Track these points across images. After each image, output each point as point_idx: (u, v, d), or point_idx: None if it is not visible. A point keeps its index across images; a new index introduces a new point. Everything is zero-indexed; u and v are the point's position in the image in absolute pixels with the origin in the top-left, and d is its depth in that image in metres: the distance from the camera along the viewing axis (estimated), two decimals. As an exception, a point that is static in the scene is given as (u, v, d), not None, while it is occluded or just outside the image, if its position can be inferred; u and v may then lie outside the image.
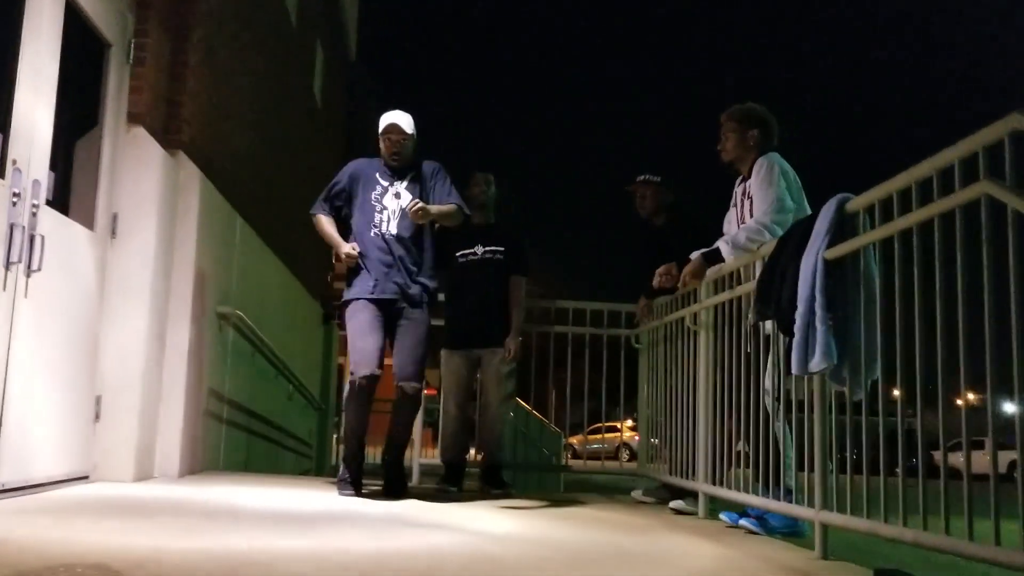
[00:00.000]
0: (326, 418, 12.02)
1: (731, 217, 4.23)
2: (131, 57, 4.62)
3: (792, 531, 3.66)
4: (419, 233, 4.56)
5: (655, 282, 4.62)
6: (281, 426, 8.19)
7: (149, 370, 4.60)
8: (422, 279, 4.55)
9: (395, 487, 4.42)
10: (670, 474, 4.91)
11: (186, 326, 4.96)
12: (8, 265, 3.42)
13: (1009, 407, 2.27)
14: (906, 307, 2.68)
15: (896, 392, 2.85)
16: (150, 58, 4.73)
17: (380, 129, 4.60)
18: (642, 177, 5.09)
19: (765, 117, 4.18)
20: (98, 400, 4.40)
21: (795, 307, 3.09)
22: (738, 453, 4.03)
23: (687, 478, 4.58)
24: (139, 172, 4.60)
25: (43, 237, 3.62)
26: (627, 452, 13.97)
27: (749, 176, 4.07)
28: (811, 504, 3.18)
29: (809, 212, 3.99)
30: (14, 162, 3.44)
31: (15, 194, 3.45)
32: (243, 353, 6.38)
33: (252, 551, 2.50)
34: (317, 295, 10.75)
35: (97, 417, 4.39)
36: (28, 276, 3.57)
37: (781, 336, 3.34)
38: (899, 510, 2.61)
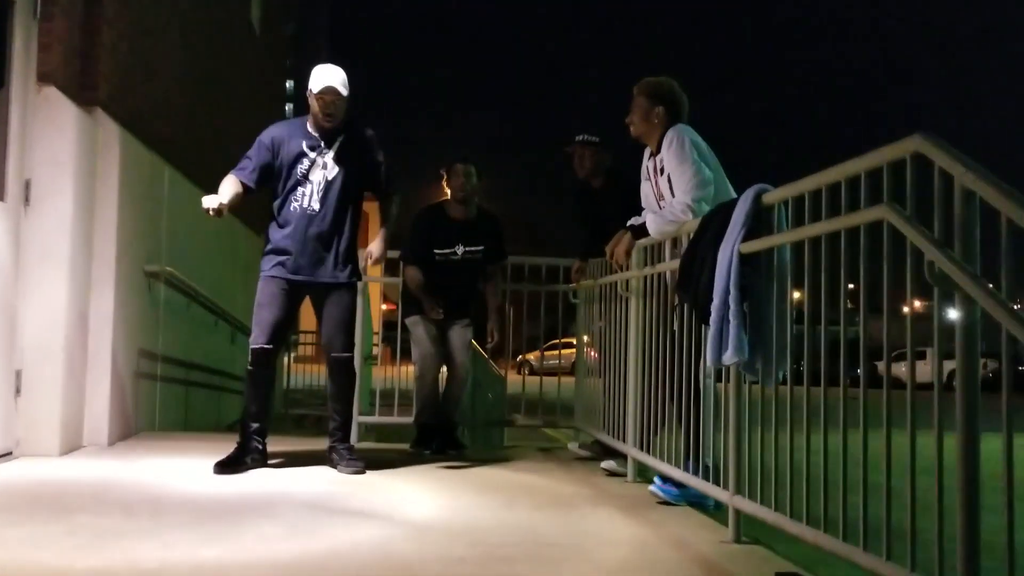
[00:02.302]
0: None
1: (646, 191, 4.18)
2: (38, 12, 4.39)
3: (700, 501, 3.73)
4: (343, 203, 4.38)
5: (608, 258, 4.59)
6: (224, 371, 8.14)
7: (72, 339, 4.51)
8: (347, 258, 4.41)
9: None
10: (602, 430, 4.99)
11: (110, 291, 4.85)
12: (-94, 252, 3.29)
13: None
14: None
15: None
16: (60, 12, 4.49)
17: (313, 88, 4.26)
18: (580, 137, 5.00)
19: (675, 95, 4.10)
20: (18, 374, 4.31)
21: (711, 297, 3.10)
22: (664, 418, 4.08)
23: (618, 439, 4.65)
24: (52, 135, 4.42)
25: (-57, 219, 3.48)
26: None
27: (658, 151, 4.02)
28: (726, 485, 3.25)
29: (726, 180, 4.00)
30: (-95, 144, 3.28)
31: (-91, 178, 3.30)
32: (177, 307, 6.29)
33: (163, 570, 2.49)
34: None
35: (18, 392, 4.31)
36: (-70, 261, 3.44)
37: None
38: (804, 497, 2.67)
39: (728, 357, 3.00)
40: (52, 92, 4.43)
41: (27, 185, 4.35)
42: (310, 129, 4.37)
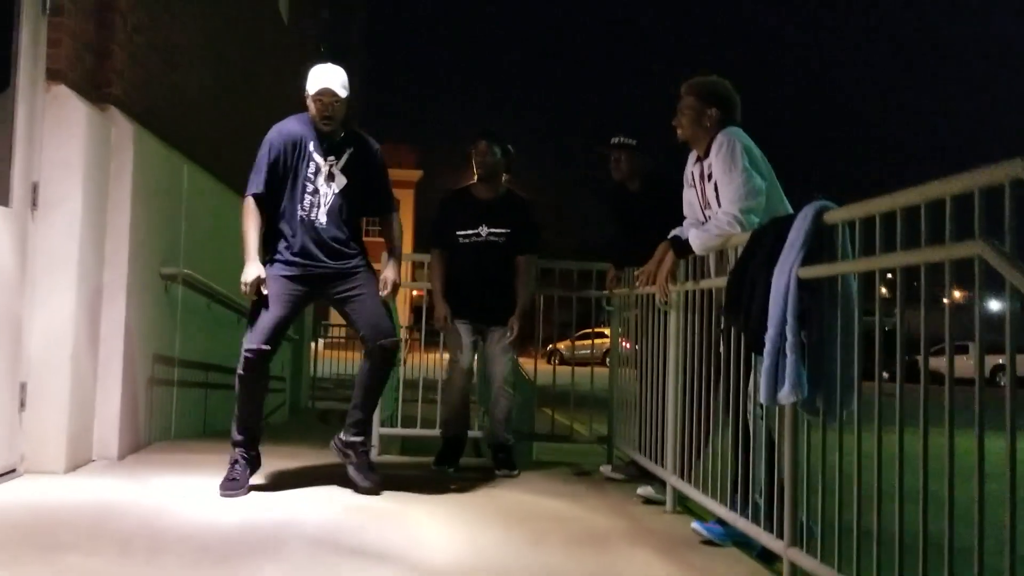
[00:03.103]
0: (301, 348, 11.78)
1: (691, 198, 3.85)
2: (47, 6, 4.15)
3: (748, 541, 3.43)
4: (351, 218, 4.13)
5: (638, 283, 4.27)
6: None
7: (80, 349, 4.30)
8: (356, 254, 4.13)
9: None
10: (639, 451, 4.69)
11: (122, 296, 4.63)
12: None
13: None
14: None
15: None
16: (71, 6, 4.26)
17: (310, 89, 4.01)
18: (616, 139, 4.69)
19: (728, 94, 3.76)
20: (23, 387, 4.10)
21: (765, 325, 2.79)
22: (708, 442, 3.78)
23: (656, 461, 4.35)
24: (61, 135, 4.19)
25: (-63, 229, 3.25)
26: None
27: (706, 155, 3.68)
28: (780, 534, 2.95)
29: (780, 191, 3.66)
30: None
31: (-102, 185, 3.07)
32: (196, 307, 6.07)
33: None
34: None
35: (23, 405, 4.10)
36: (-78, 273, 3.22)
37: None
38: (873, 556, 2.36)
39: (785, 395, 2.69)
40: (62, 90, 4.20)
41: (35, 188, 4.12)
42: (316, 132, 4.10)
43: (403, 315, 16.11)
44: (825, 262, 2.68)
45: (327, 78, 4.00)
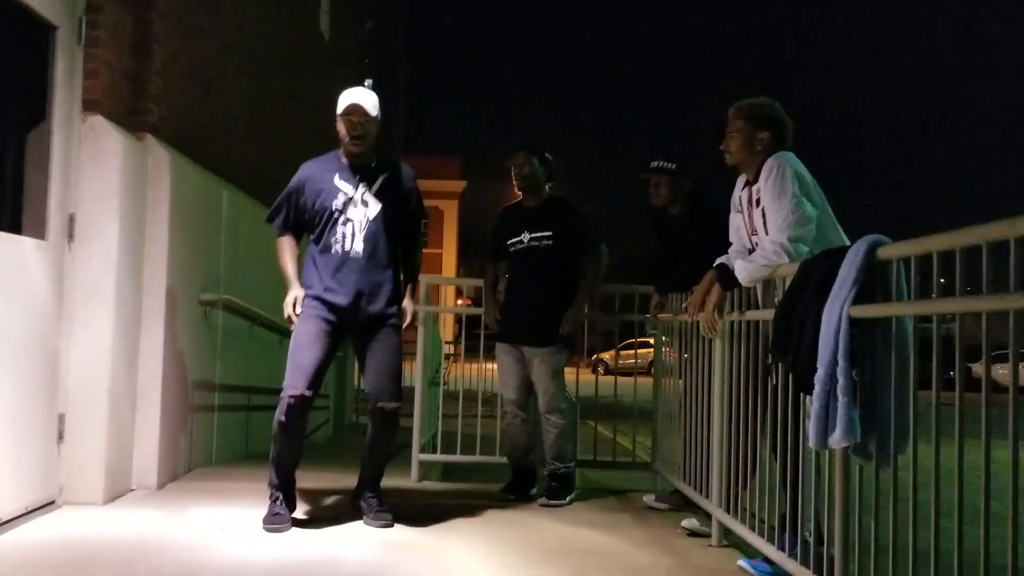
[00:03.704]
0: (344, 365, 11.78)
1: (738, 224, 3.71)
2: (83, 37, 4.15)
3: None
4: (387, 244, 4.03)
5: (686, 315, 4.13)
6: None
7: (118, 379, 4.28)
8: (392, 296, 4.05)
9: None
10: (683, 480, 4.56)
11: (160, 325, 4.61)
12: (-72, 305, 3.06)
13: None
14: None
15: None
16: (107, 35, 4.26)
17: (339, 110, 3.95)
18: (655, 164, 4.56)
19: (779, 117, 3.61)
20: (61, 419, 4.09)
21: (814, 365, 2.65)
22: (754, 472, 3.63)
23: (700, 492, 4.21)
24: (98, 166, 4.18)
25: (-30, 266, 3.24)
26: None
27: (755, 180, 3.54)
28: (830, 577, 2.80)
29: (834, 221, 3.51)
30: (-73, 189, 3.05)
31: (-68, 225, 3.06)
32: (238, 331, 6.06)
33: None
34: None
35: (60, 437, 4.09)
36: (-44, 311, 3.21)
37: None
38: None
39: (836, 440, 2.55)
40: (98, 121, 4.19)
41: (71, 220, 4.12)
42: (345, 162, 4.04)
43: (448, 330, 16.01)
44: (879, 301, 2.53)
45: (356, 96, 3.95)
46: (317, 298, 3.92)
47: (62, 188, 4.05)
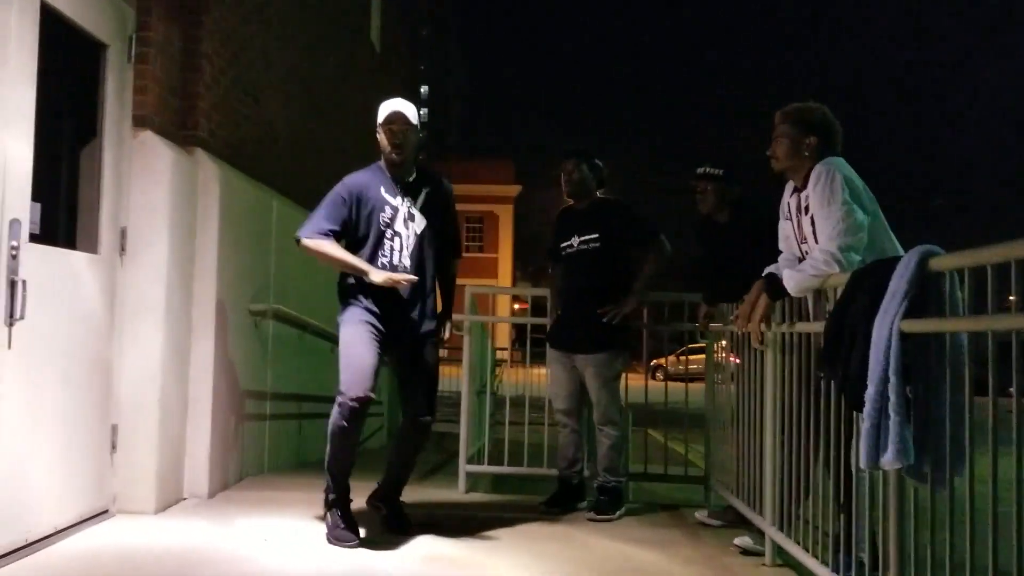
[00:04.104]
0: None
1: (787, 232, 3.61)
2: (132, 55, 4.23)
3: None
4: (432, 259, 4.05)
5: (735, 326, 4.05)
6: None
7: (169, 390, 4.34)
8: (434, 311, 4.09)
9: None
10: (737, 496, 4.45)
11: (210, 336, 4.67)
12: (-18, 321, 3.13)
13: None
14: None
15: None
16: (156, 52, 4.33)
17: (380, 120, 3.95)
18: (702, 170, 4.47)
19: (827, 122, 3.50)
20: (114, 429, 4.16)
21: (865, 382, 2.55)
22: (807, 488, 3.52)
23: (754, 508, 4.11)
24: (148, 180, 4.25)
25: (24, 282, 3.30)
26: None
27: (804, 186, 3.44)
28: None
29: (885, 222, 3.39)
30: (-20, 208, 3.11)
31: (-15, 242, 3.13)
32: (288, 340, 6.11)
33: None
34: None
35: (114, 447, 4.16)
36: (11, 326, 3.28)
37: None
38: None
39: (888, 461, 2.45)
40: (148, 136, 4.26)
41: (123, 234, 4.19)
42: (387, 173, 4.03)
43: (504, 336, 15.96)
44: (932, 315, 2.43)
45: (397, 105, 3.95)
46: (365, 308, 3.91)
47: (114, 203, 4.12)
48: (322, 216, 3.94)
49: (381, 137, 3.97)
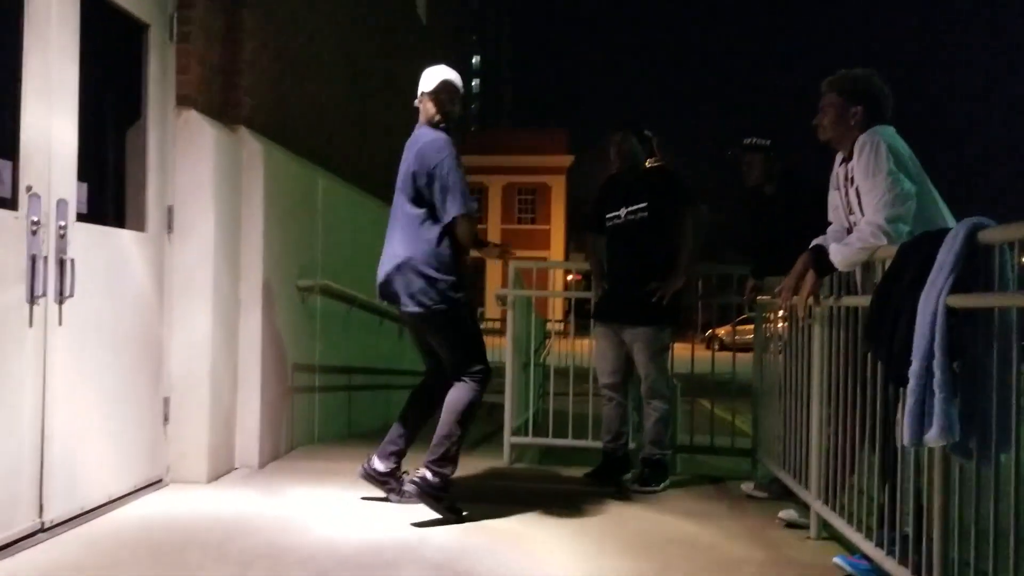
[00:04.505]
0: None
1: (835, 202, 3.52)
2: (174, 34, 4.27)
3: None
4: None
5: (780, 302, 3.97)
6: (391, 368, 8.06)
7: (218, 364, 4.42)
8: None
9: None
10: (783, 468, 4.40)
11: (258, 311, 4.73)
12: (34, 299, 3.21)
13: None
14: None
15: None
16: (197, 31, 4.36)
17: (429, 87, 3.95)
18: (748, 140, 4.38)
19: (875, 90, 3.39)
20: (166, 402, 4.26)
21: (909, 358, 2.49)
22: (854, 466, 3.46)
23: (799, 481, 4.06)
24: (192, 159, 4.31)
25: (72, 261, 3.38)
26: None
27: (852, 157, 3.34)
28: (928, 577, 2.65)
29: (934, 191, 3.29)
30: (28, 189, 3.19)
31: (34, 223, 3.20)
32: (336, 314, 6.18)
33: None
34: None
35: (166, 419, 4.26)
36: (60, 304, 3.36)
37: None
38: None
39: (932, 438, 2.39)
40: (192, 115, 4.31)
41: (169, 212, 4.26)
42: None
43: (559, 309, 15.98)
44: (980, 290, 2.35)
45: (447, 73, 3.96)
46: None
47: (160, 181, 4.19)
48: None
49: (431, 103, 3.95)
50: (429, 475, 3.78)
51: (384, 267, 3.94)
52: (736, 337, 7.72)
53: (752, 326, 5.21)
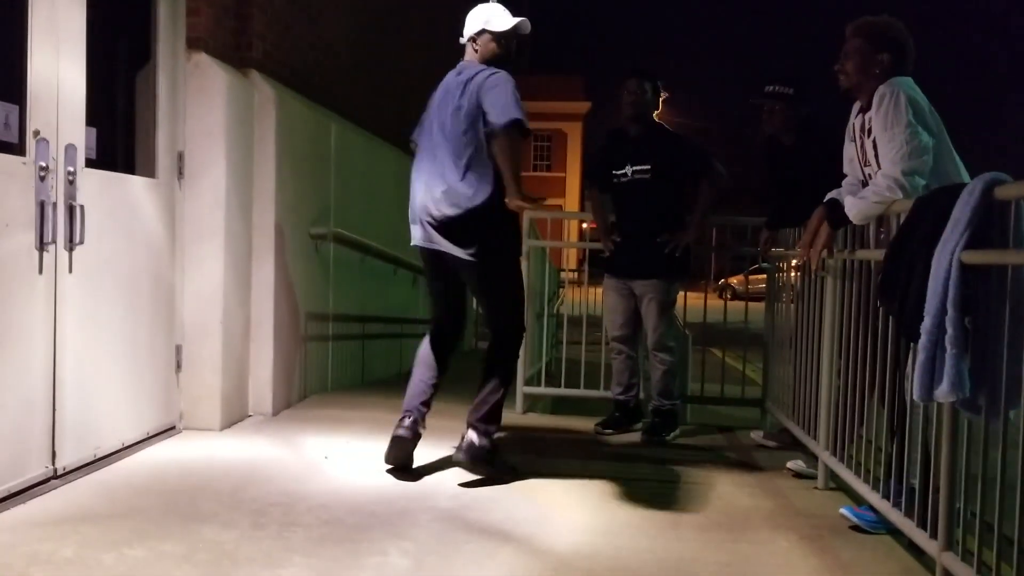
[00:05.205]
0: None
1: (851, 154, 3.46)
2: (185, -24, 4.20)
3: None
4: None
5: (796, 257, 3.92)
6: (406, 317, 8.08)
7: (230, 312, 4.44)
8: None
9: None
10: (792, 418, 4.42)
11: (270, 259, 4.73)
12: (43, 246, 3.21)
13: None
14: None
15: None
16: (208, -27, 4.29)
17: (499, 28, 3.73)
18: (771, 88, 4.29)
19: (901, 39, 3.30)
20: (178, 350, 4.29)
21: (922, 313, 2.46)
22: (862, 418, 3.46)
23: (808, 432, 4.07)
24: (203, 104, 4.27)
25: (82, 207, 3.38)
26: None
27: (869, 107, 3.27)
28: (934, 533, 2.66)
29: (951, 146, 3.23)
30: (36, 133, 3.16)
31: (42, 168, 3.19)
32: (350, 263, 6.18)
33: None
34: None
35: (179, 367, 4.29)
36: (71, 251, 3.37)
37: None
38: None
39: (943, 393, 2.38)
40: (202, 59, 4.26)
41: (180, 158, 4.24)
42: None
43: (572, 258, 16.00)
44: (995, 246, 2.32)
45: (519, 17, 3.76)
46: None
47: (170, 127, 4.16)
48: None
49: (492, 44, 3.75)
50: (476, 438, 3.63)
51: (430, 210, 3.65)
52: (749, 287, 7.70)
53: (761, 276, 5.19)
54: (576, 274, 13.67)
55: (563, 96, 40.66)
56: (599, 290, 5.09)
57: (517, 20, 3.77)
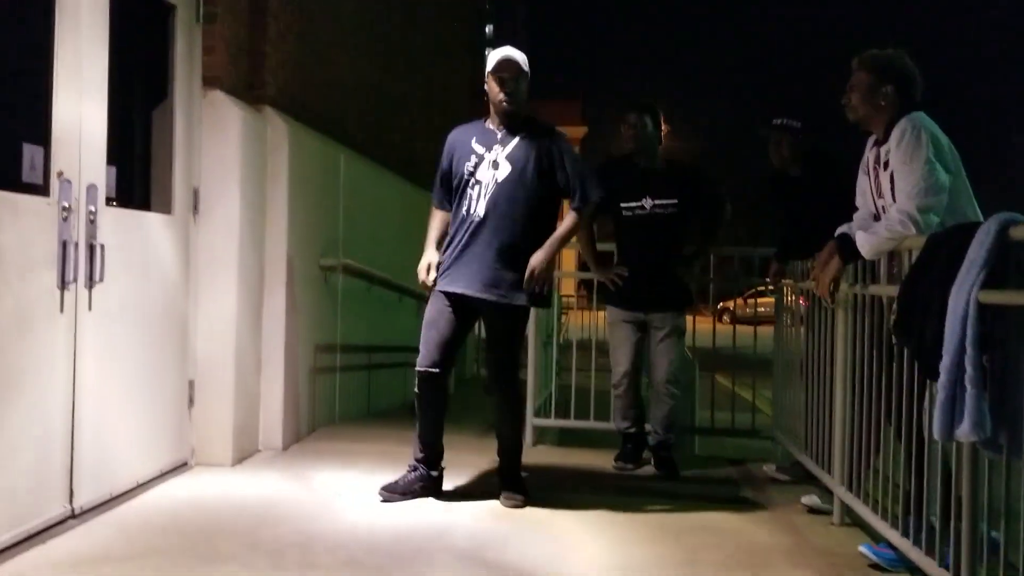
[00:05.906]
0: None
1: (864, 187, 3.48)
2: (200, 15, 4.25)
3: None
4: (518, 215, 3.81)
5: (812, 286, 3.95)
6: (410, 346, 8.07)
7: (243, 346, 4.45)
8: (516, 269, 3.81)
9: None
10: (804, 452, 4.41)
11: (282, 292, 4.76)
12: (64, 285, 3.23)
13: None
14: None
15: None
16: (223, 12, 4.36)
17: (489, 68, 3.84)
18: (778, 121, 4.32)
19: (906, 70, 3.34)
20: (191, 384, 4.30)
21: (939, 352, 2.48)
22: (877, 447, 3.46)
23: (822, 465, 4.07)
24: (218, 140, 4.31)
25: (103, 246, 3.40)
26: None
27: (885, 140, 3.31)
28: (957, 573, 2.66)
29: (968, 185, 3.26)
30: (60, 174, 3.20)
31: (65, 208, 3.22)
32: (357, 292, 6.20)
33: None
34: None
35: (191, 402, 4.30)
36: (90, 289, 3.39)
37: None
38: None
39: (964, 433, 2.39)
40: (217, 96, 4.31)
41: (195, 194, 4.27)
42: (488, 125, 3.94)
43: (570, 285, 15.98)
44: (1012, 286, 2.34)
45: (507, 52, 3.85)
46: (442, 276, 3.90)
47: (186, 163, 4.20)
48: (437, 182, 4.03)
49: (492, 86, 3.85)
50: (515, 495, 3.89)
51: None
52: (747, 310, 7.72)
53: (765, 299, 5.23)
54: (575, 299, 13.73)
55: (562, 121, 40.65)
56: (602, 314, 5.07)
57: (497, 57, 3.87)
